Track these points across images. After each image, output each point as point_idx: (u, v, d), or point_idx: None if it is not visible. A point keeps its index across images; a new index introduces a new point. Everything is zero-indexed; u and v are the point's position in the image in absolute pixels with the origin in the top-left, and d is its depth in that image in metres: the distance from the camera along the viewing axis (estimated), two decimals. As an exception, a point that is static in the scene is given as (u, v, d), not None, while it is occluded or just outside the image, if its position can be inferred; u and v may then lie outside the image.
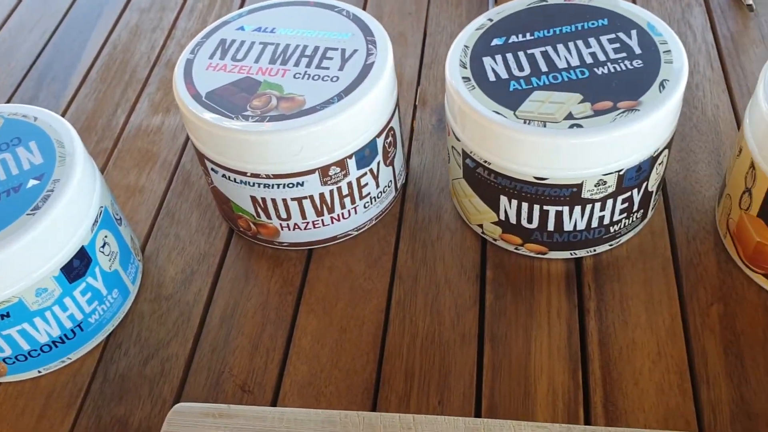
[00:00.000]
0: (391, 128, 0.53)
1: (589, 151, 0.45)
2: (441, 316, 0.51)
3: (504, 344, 0.49)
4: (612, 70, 0.47)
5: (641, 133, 0.44)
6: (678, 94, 0.45)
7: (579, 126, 0.44)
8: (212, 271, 0.56)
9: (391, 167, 0.55)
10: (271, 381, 0.49)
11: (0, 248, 0.43)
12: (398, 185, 0.57)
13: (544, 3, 0.53)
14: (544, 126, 0.44)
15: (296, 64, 0.51)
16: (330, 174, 0.50)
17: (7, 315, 0.46)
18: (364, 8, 0.79)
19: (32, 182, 0.47)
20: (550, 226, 0.50)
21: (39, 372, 0.50)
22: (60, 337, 0.49)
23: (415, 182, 0.60)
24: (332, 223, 0.54)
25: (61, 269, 0.46)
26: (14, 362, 0.49)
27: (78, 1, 0.87)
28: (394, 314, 0.51)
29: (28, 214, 0.45)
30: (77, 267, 0.48)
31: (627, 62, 0.47)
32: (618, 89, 0.46)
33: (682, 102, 0.63)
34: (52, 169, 0.47)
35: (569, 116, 0.45)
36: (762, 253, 0.47)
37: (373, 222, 0.56)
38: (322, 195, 0.51)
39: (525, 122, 0.45)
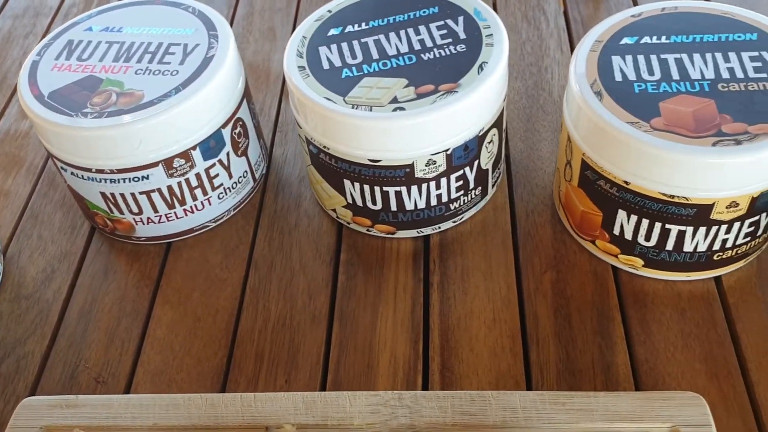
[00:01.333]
0: (239, 119, 0.54)
1: (414, 133, 0.47)
2: (294, 299, 0.52)
3: (352, 322, 0.51)
4: (437, 55, 0.50)
5: (462, 113, 0.47)
6: (496, 75, 0.48)
7: (402, 109, 0.46)
8: (72, 269, 0.56)
9: (244, 158, 0.56)
10: (125, 371, 0.49)
11: None
12: (257, 175, 0.59)
13: (382, -6, 0.55)
14: (371, 110, 0.47)
15: (139, 61, 0.52)
16: (175, 166, 0.51)
17: None
18: (236, 5, 0.80)
19: None
20: (393, 207, 0.52)
21: None
22: None
23: (276, 172, 0.61)
24: (186, 215, 0.55)
25: None
26: None
27: (-53, 8, 0.85)
28: (248, 301, 0.53)
29: None
30: None
31: (451, 47, 0.50)
32: (440, 73, 0.48)
33: (534, 85, 0.67)
34: None
35: (394, 100, 0.47)
36: (588, 221, 0.51)
37: (232, 213, 0.58)
38: (170, 187, 0.52)
39: (353, 107, 0.47)
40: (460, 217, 0.55)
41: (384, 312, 0.51)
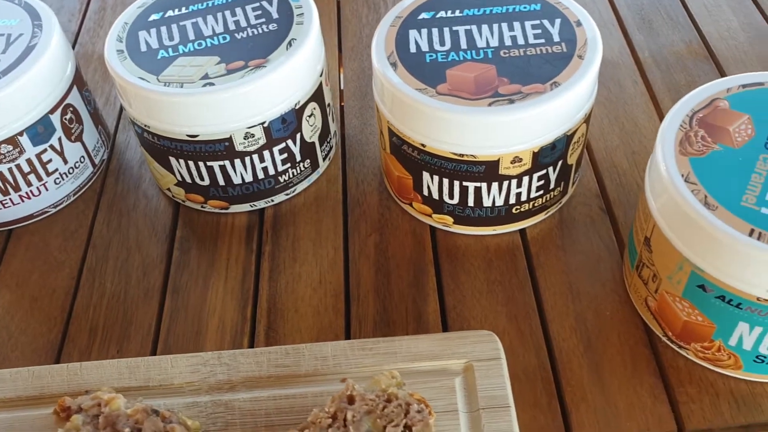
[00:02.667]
0: (69, 105, 0.56)
1: (226, 106, 0.50)
2: (129, 276, 0.54)
3: (184, 294, 0.53)
4: (250, 34, 0.52)
5: (272, 87, 0.50)
6: (306, 51, 0.51)
7: (211, 84, 0.49)
8: None
9: (79, 143, 0.58)
10: (-42, 355, 0.50)
11: None
12: (96, 161, 0.60)
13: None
14: (182, 87, 0.49)
15: (-40, 51, 0.53)
16: (2, 152, 0.52)
17: None
18: (89, 1, 0.81)
19: None
20: (221, 182, 0.54)
21: None
22: None
23: (118, 157, 0.63)
24: (23, 201, 0.56)
25: None
26: None
27: None
28: (84, 280, 0.54)
29: None
30: None
31: (264, 26, 0.53)
32: (251, 50, 0.51)
33: (370, 66, 0.71)
34: None
35: (205, 76, 0.50)
36: (403, 185, 0.54)
37: (72, 198, 0.59)
38: (0, 174, 0.53)
39: (165, 84, 0.49)
40: (292, 189, 0.58)
41: (215, 283, 0.53)
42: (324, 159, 0.59)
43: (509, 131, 0.46)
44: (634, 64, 0.67)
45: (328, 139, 0.59)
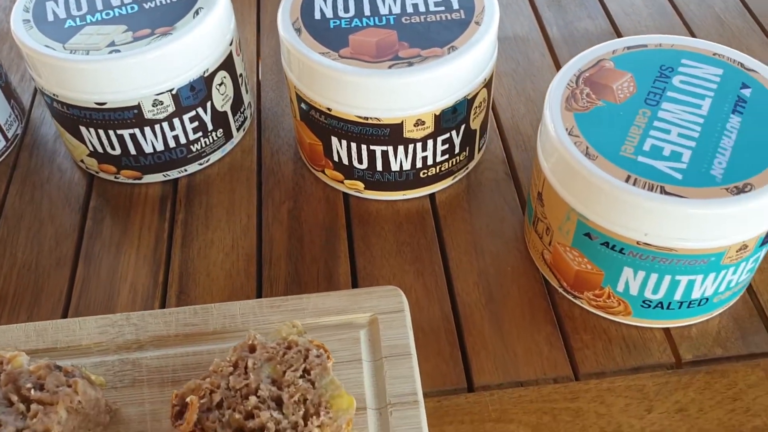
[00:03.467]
0: (-24, 77, 0.55)
1: (132, 73, 0.50)
2: (41, 246, 0.54)
3: (96, 261, 0.53)
4: (158, 4, 0.53)
5: (177, 54, 0.51)
6: (212, 20, 0.52)
7: (118, 51, 0.50)
8: None
9: (-11, 116, 0.57)
10: None
11: None
12: (9, 135, 0.60)
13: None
14: (88, 54, 0.49)
15: None
16: None
17: None
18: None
19: None
20: (132, 150, 0.55)
21: None
22: None
23: (33, 132, 0.63)
24: (-70, 174, 0.55)
25: None
26: None
27: None
28: (-6, 250, 0.54)
29: None
30: None
31: (172, -4, 0.54)
32: (159, 19, 0.52)
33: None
34: None
35: (111, 44, 0.50)
36: (314, 151, 0.56)
37: (-18, 171, 0.59)
38: None
39: (71, 52, 0.49)
40: (206, 159, 0.58)
41: (127, 250, 0.54)
42: (238, 129, 0.60)
43: (409, 93, 0.48)
44: (543, 39, 0.70)
45: (242, 110, 0.59)
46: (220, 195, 0.57)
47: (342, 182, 0.56)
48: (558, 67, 0.67)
